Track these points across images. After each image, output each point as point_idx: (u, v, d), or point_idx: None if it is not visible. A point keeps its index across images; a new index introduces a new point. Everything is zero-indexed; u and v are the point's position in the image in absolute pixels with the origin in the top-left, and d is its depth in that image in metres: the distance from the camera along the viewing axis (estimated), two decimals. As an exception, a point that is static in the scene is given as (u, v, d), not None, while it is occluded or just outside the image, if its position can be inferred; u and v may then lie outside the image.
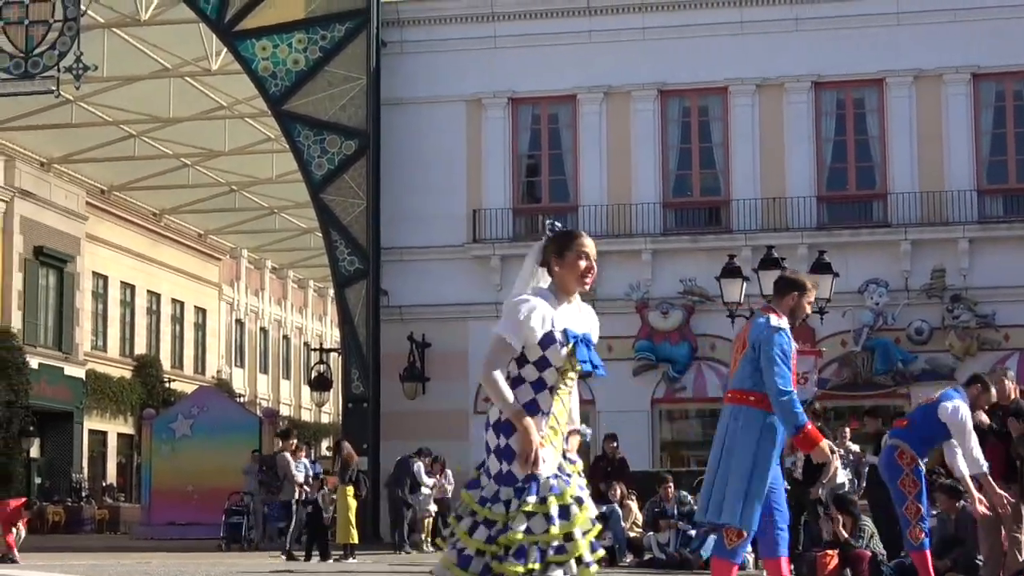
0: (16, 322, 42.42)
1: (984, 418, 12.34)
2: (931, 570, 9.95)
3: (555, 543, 5.62)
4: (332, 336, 53.16)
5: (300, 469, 25.44)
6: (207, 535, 31.13)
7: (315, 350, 53.26)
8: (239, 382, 55.73)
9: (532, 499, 5.61)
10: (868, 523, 16.83)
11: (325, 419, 56.20)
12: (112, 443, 48.49)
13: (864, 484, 19.02)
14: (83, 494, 43.98)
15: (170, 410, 38.59)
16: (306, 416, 59.98)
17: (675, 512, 21.64)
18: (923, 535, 10.23)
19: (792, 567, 18.29)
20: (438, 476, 27.63)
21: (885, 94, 30.28)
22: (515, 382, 5.88)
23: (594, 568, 5.72)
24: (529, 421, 5.78)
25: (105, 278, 49.00)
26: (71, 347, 45.64)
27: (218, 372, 53.94)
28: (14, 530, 23.30)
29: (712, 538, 7.82)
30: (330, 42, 31.03)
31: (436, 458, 27.96)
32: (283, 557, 23.81)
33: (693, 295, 29.53)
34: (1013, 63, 29.62)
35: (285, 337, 63.18)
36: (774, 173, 30.49)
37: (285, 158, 36.54)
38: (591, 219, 30.70)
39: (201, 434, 34.75)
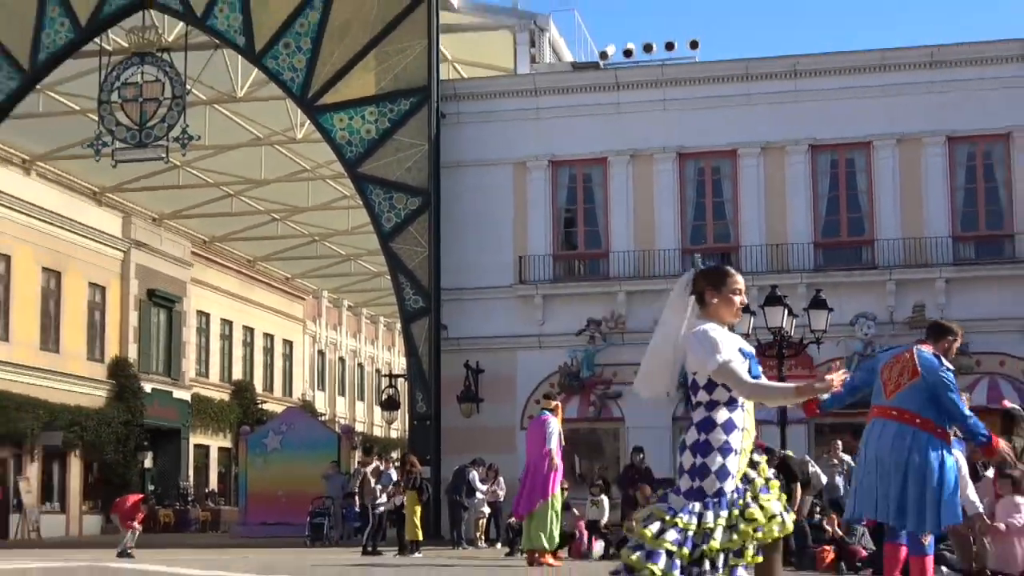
0: (132, 353, 42.78)
1: None
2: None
3: (736, 547, 5.62)
4: (399, 364, 53.07)
5: (385, 479, 25.45)
6: (294, 534, 31.08)
7: (385, 376, 52.88)
8: (320, 403, 55.67)
9: (724, 513, 5.54)
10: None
11: (394, 435, 55.87)
12: (213, 455, 48.74)
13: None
14: (189, 499, 44.39)
15: (262, 428, 38.69)
16: (378, 432, 59.84)
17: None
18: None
19: (794, 560, 18.54)
20: (491, 483, 27.50)
21: (872, 155, 30.12)
22: (709, 406, 5.73)
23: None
24: (810, 384, 5.82)
25: (207, 315, 49.32)
26: (178, 374, 45.95)
27: (303, 395, 53.92)
28: (133, 525, 23.21)
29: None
30: (397, 114, 31.06)
31: (491, 467, 27.89)
32: (360, 553, 23.62)
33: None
34: (983, 128, 29.50)
35: (360, 365, 63.04)
36: (777, 223, 30.42)
37: (359, 213, 36.54)
38: (621, 264, 30.86)
39: (289, 447, 34.92)
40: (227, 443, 48.07)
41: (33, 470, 38.49)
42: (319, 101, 31.53)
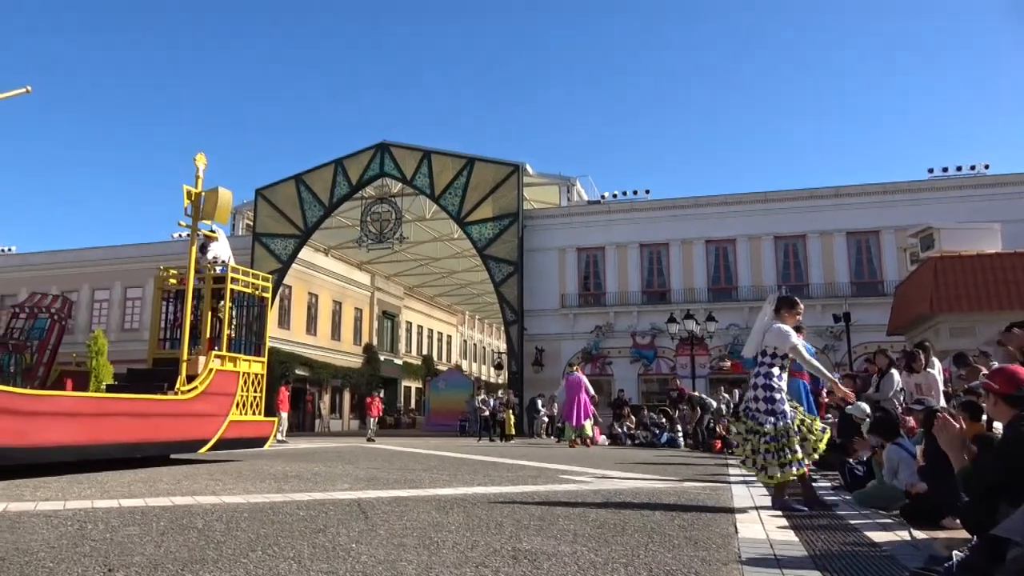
0: (375, 340, 43.55)
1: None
2: None
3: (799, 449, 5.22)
4: (502, 346, 53.06)
5: (486, 403, 25.65)
6: (450, 431, 31.60)
7: (495, 352, 53.27)
8: (465, 367, 55.00)
9: (789, 422, 5.20)
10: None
11: (500, 381, 55.66)
12: (413, 392, 48.59)
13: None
14: (401, 413, 44.61)
15: (436, 378, 38.66)
16: (493, 379, 59.69)
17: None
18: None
19: (701, 447, 17.95)
20: (548, 406, 27.27)
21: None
22: (770, 365, 5.33)
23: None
24: (839, 385, 5.65)
25: (410, 322, 49.28)
26: (397, 351, 46.43)
27: (456, 363, 53.74)
28: (373, 419, 23.12)
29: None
30: (503, 225, 31.17)
31: (549, 398, 27.83)
32: (478, 439, 23.85)
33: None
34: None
35: (483, 346, 62.52)
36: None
37: (483, 272, 35.58)
38: (611, 299, 30.39)
39: (448, 388, 35.01)
40: (419, 384, 47.69)
41: (326, 398, 38.98)
42: (466, 219, 31.59)
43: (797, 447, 5.20)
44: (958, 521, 4.10)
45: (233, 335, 10.75)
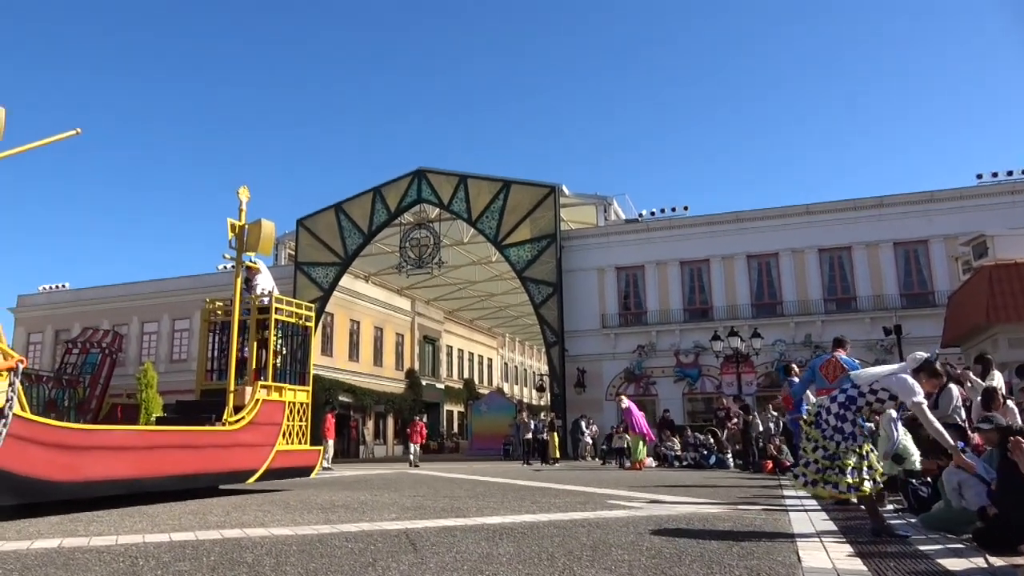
0: (416, 365, 43.61)
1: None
2: None
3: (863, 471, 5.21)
4: (543, 368, 53.09)
5: (531, 425, 25.32)
6: (494, 455, 31.56)
7: (537, 374, 52.97)
8: (507, 389, 55.10)
9: (858, 448, 5.20)
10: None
11: (543, 403, 55.57)
12: (455, 416, 48.49)
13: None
14: (444, 437, 44.37)
15: (478, 401, 38.55)
16: (534, 403, 59.40)
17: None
18: None
19: (752, 468, 17.74)
20: (590, 428, 27.41)
21: (779, 260, 29.54)
22: (862, 406, 5.27)
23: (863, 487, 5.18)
24: (958, 450, 5.43)
25: (451, 346, 49.22)
26: (438, 375, 46.34)
27: (498, 386, 53.68)
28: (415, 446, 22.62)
29: None
30: (541, 246, 31.19)
31: (590, 420, 27.81)
32: (523, 463, 23.50)
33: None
34: (836, 243, 28.50)
35: (524, 368, 62.33)
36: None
37: (523, 295, 35.94)
38: (652, 317, 30.12)
39: (491, 410, 34.89)
40: (461, 408, 47.49)
41: (370, 424, 38.98)
42: (503, 241, 31.72)
43: (848, 474, 5.10)
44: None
45: (279, 365, 10.85)
